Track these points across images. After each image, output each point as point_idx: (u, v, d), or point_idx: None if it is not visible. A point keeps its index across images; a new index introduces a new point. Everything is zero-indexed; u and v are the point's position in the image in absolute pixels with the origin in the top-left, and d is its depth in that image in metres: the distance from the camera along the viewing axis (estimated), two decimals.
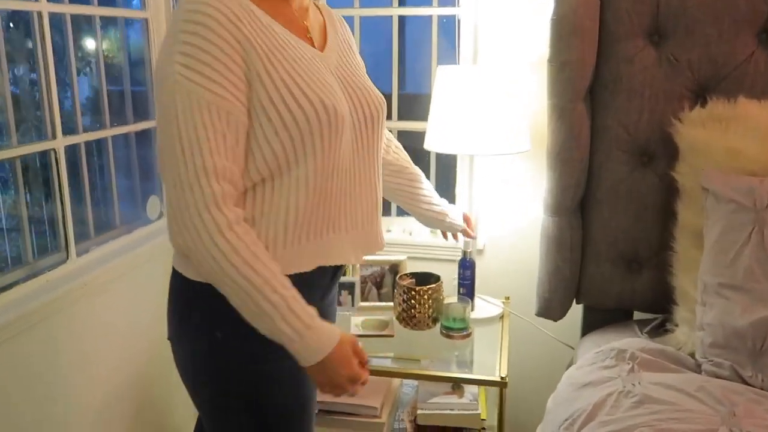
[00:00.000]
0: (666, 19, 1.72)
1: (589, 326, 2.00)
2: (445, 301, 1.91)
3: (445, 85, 1.84)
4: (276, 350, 1.09)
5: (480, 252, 2.24)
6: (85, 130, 1.95)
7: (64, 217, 1.78)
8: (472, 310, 2.00)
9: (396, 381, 2.05)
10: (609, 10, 1.74)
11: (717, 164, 1.60)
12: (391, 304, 2.00)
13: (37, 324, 1.63)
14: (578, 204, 1.86)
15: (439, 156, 2.31)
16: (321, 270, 1.21)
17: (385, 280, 2.06)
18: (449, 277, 2.04)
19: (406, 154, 1.68)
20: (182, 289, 1.21)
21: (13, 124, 1.70)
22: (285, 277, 1.09)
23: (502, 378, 1.65)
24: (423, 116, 2.06)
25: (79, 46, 2.01)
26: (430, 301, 1.87)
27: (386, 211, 2.17)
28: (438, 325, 1.89)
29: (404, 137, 2.31)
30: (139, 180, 2.27)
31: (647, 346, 1.55)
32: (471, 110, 1.79)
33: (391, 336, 1.90)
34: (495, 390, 2.03)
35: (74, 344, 1.77)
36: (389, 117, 2.30)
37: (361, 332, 1.90)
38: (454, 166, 2.24)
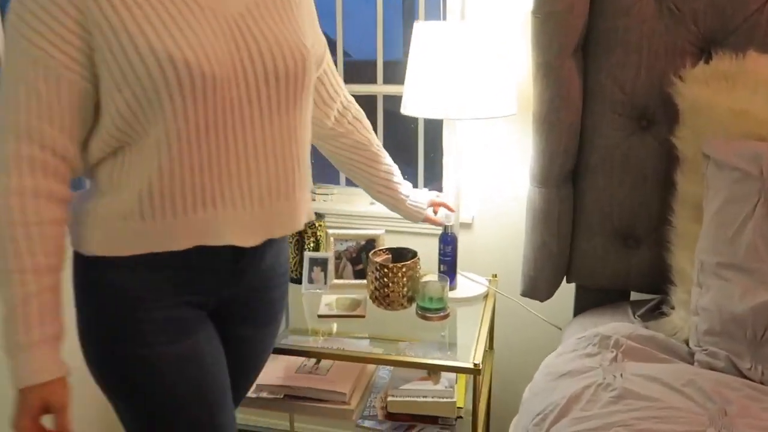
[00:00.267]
0: None
1: (581, 307, 1.83)
2: (423, 279, 1.76)
3: (424, 43, 1.66)
4: (158, 333, 0.97)
5: (468, 226, 2.08)
6: None
7: None
8: (454, 288, 1.85)
9: (371, 365, 1.91)
10: None
11: (721, 127, 1.41)
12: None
13: None
14: (568, 173, 1.68)
15: (427, 125, 2.13)
16: (211, 251, 1.07)
17: (361, 256, 1.91)
18: (431, 253, 1.88)
19: (369, 128, 1.52)
20: (75, 266, 1.11)
21: None
22: (50, 279, 0.98)
23: (475, 365, 1.49)
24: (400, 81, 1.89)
25: None
26: (405, 279, 1.72)
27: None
28: (414, 305, 1.74)
29: (388, 102, 2.15)
30: None
31: (635, 332, 1.39)
32: (450, 70, 1.61)
33: (362, 317, 1.76)
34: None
35: None
36: (374, 82, 2.14)
37: (329, 312, 1.76)
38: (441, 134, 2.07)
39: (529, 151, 1.72)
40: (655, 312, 1.58)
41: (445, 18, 1.97)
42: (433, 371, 1.74)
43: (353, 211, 2.14)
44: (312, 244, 1.90)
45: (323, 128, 1.43)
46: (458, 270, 1.90)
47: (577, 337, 1.43)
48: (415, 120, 2.14)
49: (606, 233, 1.68)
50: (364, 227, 2.07)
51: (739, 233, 1.31)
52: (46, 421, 1.01)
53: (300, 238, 1.89)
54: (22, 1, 0.93)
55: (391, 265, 1.71)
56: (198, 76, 0.96)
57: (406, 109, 1.73)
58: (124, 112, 0.98)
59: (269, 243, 1.17)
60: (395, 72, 2.12)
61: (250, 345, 1.29)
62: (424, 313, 1.71)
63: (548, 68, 1.55)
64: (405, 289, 1.73)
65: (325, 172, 2.10)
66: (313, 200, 2.23)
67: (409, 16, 2.63)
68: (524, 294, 1.77)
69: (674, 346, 1.37)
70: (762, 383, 1.23)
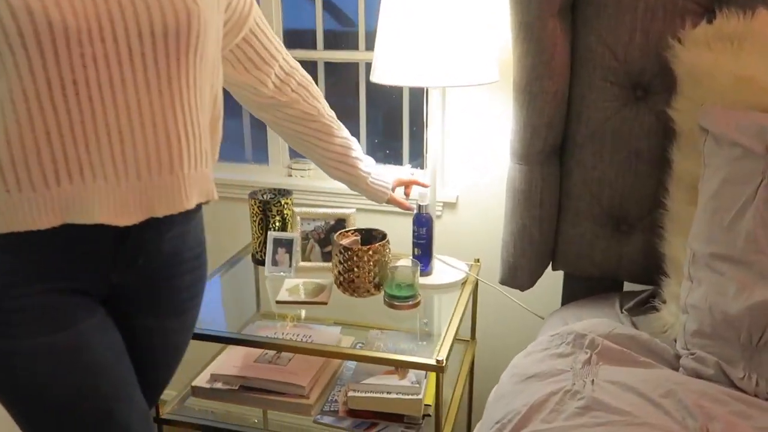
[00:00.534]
0: None
1: (569, 296, 1.67)
2: (394, 264, 1.60)
3: (394, 3, 1.48)
4: (29, 324, 0.84)
5: (452, 206, 1.91)
6: None
7: None
8: (429, 273, 1.69)
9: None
10: None
11: (722, 97, 1.22)
12: None
13: None
14: (552, 149, 1.50)
15: (411, 97, 1.96)
16: (84, 231, 0.93)
17: (330, 237, 1.76)
18: (409, 235, 1.71)
19: (317, 97, 1.37)
20: None
21: None
22: None
23: (438, 362, 1.34)
24: None
25: None
26: (371, 264, 1.56)
27: None
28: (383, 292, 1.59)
29: None
30: None
31: (614, 331, 1.22)
32: (423, 31, 1.44)
33: (324, 303, 1.61)
34: (455, 371, 1.73)
35: None
36: (356, 48, 1.97)
37: (290, 298, 1.62)
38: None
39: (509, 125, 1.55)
40: (644, 306, 1.41)
41: None
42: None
43: (332, 189, 1.98)
44: (278, 223, 1.75)
45: (261, 96, 1.28)
46: (436, 254, 1.74)
47: (550, 333, 1.27)
48: (398, 91, 1.97)
49: (594, 217, 1.51)
50: (333, 206, 1.91)
51: (738, 220, 1.12)
52: None
53: (264, 216, 1.74)
54: None
55: (356, 248, 1.56)
56: (43, 26, 0.82)
57: (376, 76, 1.55)
58: None
59: (167, 224, 1.04)
60: None
61: (157, 337, 1.16)
62: (391, 301, 1.56)
63: (529, 29, 1.37)
64: (371, 274, 1.57)
65: None
66: (289, 176, 2.09)
67: None
68: (503, 282, 1.61)
69: (658, 347, 1.20)
70: (756, 395, 1.06)
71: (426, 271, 1.68)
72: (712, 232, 1.16)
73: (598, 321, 1.26)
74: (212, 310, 1.70)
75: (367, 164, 1.48)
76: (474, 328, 1.84)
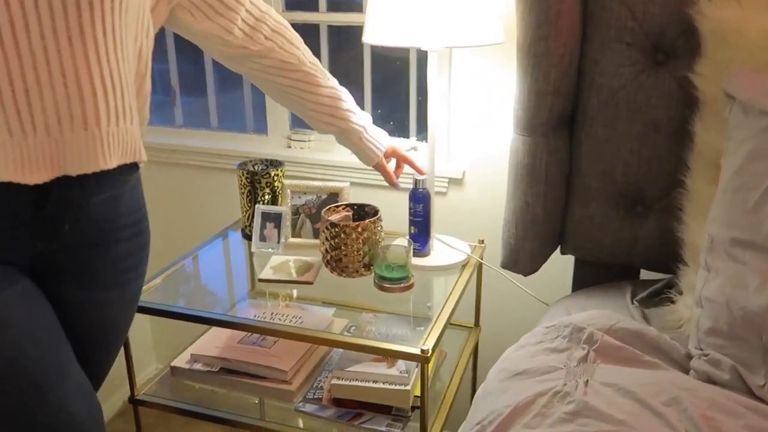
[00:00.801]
0: None
1: (580, 283, 1.52)
2: (386, 243, 1.48)
3: None
4: None
5: (458, 182, 1.77)
6: None
7: None
8: (427, 254, 1.56)
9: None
10: None
11: (751, 58, 1.06)
12: None
13: None
14: (560, 120, 1.35)
15: (420, 65, 1.81)
16: None
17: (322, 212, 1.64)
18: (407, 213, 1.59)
19: (296, 43, 1.25)
20: None
21: None
22: None
23: (423, 351, 1.22)
24: None
25: None
26: (360, 242, 1.44)
27: None
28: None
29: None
30: None
31: (617, 324, 1.07)
32: None
33: (309, 283, 1.50)
34: (454, 359, 1.61)
35: None
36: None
37: (273, 276, 1.51)
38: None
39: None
40: (658, 296, 1.26)
41: None
42: None
43: (333, 162, 1.86)
44: (267, 196, 1.64)
45: (230, 47, 1.17)
46: (436, 234, 1.61)
47: (545, 325, 1.13)
48: (403, 58, 1.83)
49: (607, 196, 1.36)
50: (325, 179, 1.79)
51: (764, 200, 0.97)
52: None
53: (253, 188, 1.63)
54: None
55: (343, 225, 1.43)
56: None
57: (368, 35, 1.42)
58: None
59: (92, 187, 0.95)
60: None
61: (92, 311, 1.06)
62: (381, 282, 1.44)
63: None
64: (361, 253, 1.45)
65: None
66: (288, 147, 1.97)
67: None
68: (504, 266, 1.47)
69: (666, 345, 1.05)
70: None
71: (423, 251, 1.55)
72: (733, 215, 1.01)
73: (599, 313, 1.11)
74: (201, 288, 1.61)
75: (361, 117, 1.36)
76: (478, 314, 1.72)
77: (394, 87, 1.90)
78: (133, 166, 1.03)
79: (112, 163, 0.94)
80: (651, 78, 1.26)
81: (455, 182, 1.78)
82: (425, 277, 1.53)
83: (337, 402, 1.43)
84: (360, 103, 1.85)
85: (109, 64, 0.89)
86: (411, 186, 1.52)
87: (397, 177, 1.52)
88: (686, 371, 1.02)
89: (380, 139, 1.42)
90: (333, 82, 1.32)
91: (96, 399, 1.07)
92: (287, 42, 1.22)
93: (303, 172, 1.89)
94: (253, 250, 1.61)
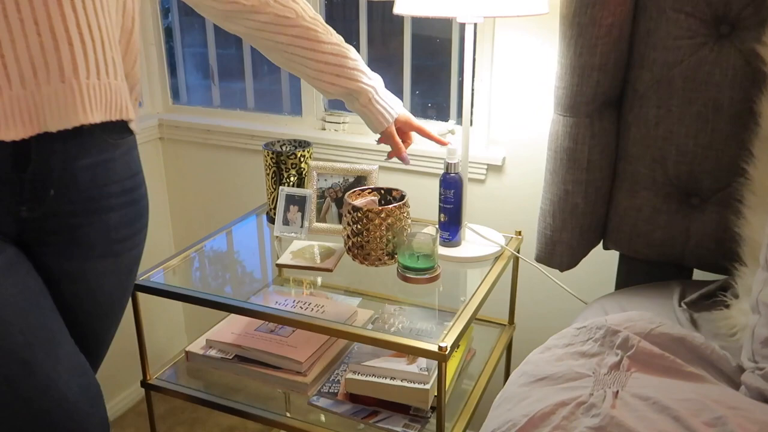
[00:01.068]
0: None
1: (624, 282, 1.38)
2: (410, 231, 1.38)
3: None
4: None
5: (497, 169, 1.65)
6: None
7: None
8: (457, 244, 1.45)
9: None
10: None
11: None
12: None
13: None
14: (606, 100, 1.21)
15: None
16: None
17: None
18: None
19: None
20: None
21: None
22: None
23: (441, 348, 1.11)
24: None
25: None
26: (383, 228, 1.34)
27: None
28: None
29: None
30: None
31: (658, 329, 0.94)
32: None
33: (329, 270, 1.41)
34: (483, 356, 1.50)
35: None
36: None
37: (291, 261, 1.43)
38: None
39: None
40: (710, 299, 1.11)
41: None
42: None
43: (369, 146, 1.76)
44: (293, 178, 1.56)
45: (220, 2, 1.10)
46: (470, 222, 1.50)
47: (576, 326, 1.01)
48: (445, 34, 1.72)
49: (657, 186, 1.21)
50: (353, 161, 1.70)
51: None
52: None
53: (278, 169, 1.55)
54: None
55: (366, 209, 1.34)
56: None
57: (398, 5, 1.31)
58: None
59: (78, 148, 0.91)
60: None
61: (83, 282, 1.01)
62: (404, 272, 1.34)
63: None
64: (384, 240, 1.35)
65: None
66: (323, 129, 1.88)
67: None
68: (539, 259, 1.35)
69: (715, 355, 0.91)
70: None
71: (453, 241, 1.44)
72: None
73: (638, 314, 0.98)
74: (222, 272, 1.55)
75: (371, 78, 1.25)
76: (512, 311, 1.59)
77: (434, 69, 1.79)
78: (124, 129, 0.97)
79: (94, 118, 0.88)
80: (713, 52, 1.11)
81: (494, 169, 1.66)
82: (454, 268, 1.42)
83: (353, 398, 1.34)
84: (399, 86, 1.76)
85: (86, 12, 0.84)
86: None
87: (406, 148, 1.41)
88: (736, 387, 0.88)
89: (392, 103, 1.31)
90: (337, 38, 1.22)
91: (93, 377, 1.02)
92: (276, 1, 1.14)
93: (337, 155, 1.80)
94: (275, 233, 1.54)
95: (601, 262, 1.44)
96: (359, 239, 1.36)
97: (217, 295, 1.33)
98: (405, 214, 1.37)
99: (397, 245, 1.36)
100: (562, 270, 1.32)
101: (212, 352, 1.45)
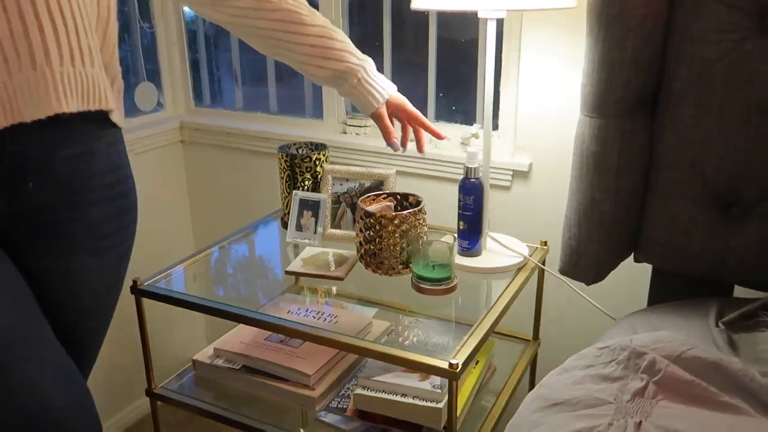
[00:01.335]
0: None
1: (657, 298, 1.28)
2: (426, 239, 1.30)
3: None
4: None
5: (523, 175, 1.56)
6: None
7: None
8: (477, 254, 1.37)
9: None
10: None
11: None
12: None
13: None
14: (638, 99, 1.11)
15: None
16: None
17: None
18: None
19: None
20: None
21: None
22: None
23: (452, 366, 1.02)
24: None
25: None
26: (398, 235, 1.27)
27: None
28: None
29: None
30: None
31: (689, 352, 0.84)
32: None
33: (340, 279, 1.34)
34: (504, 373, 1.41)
35: None
36: None
37: (301, 269, 1.36)
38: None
39: None
40: (752, 320, 1.00)
41: None
42: None
43: (391, 151, 1.69)
44: (307, 182, 1.50)
45: None
46: (492, 231, 1.42)
47: (598, 346, 0.91)
48: (469, 33, 1.64)
49: (694, 194, 1.11)
50: (369, 165, 1.63)
51: None
52: None
53: (292, 173, 1.49)
54: None
55: (379, 215, 1.26)
56: None
57: (418, 1, 1.24)
58: None
59: (56, 139, 0.87)
60: None
61: (68, 281, 0.97)
62: (419, 282, 1.26)
63: None
64: (398, 248, 1.28)
65: None
66: (344, 133, 1.82)
67: None
68: (563, 271, 1.25)
69: (754, 384, 0.81)
70: None
71: (473, 250, 1.36)
72: None
73: (668, 335, 0.88)
74: (232, 278, 1.49)
75: (361, 58, 1.18)
76: (537, 326, 1.50)
77: (460, 71, 1.71)
78: (105, 120, 0.93)
79: (69, 107, 0.84)
80: (757, 47, 1.01)
81: (520, 175, 1.57)
82: (474, 279, 1.34)
83: (362, 414, 1.26)
84: (424, 88, 1.68)
85: (62, 1, 0.79)
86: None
87: (405, 143, 1.32)
88: None
89: (383, 83, 1.23)
90: (323, 20, 1.15)
91: (83, 384, 0.97)
92: None
93: (358, 160, 1.74)
94: (288, 239, 1.48)
95: (633, 276, 1.34)
96: (372, 246, 1.28)
97: (222, 303, 1.27)
98: (421, 221, 1.29)
99: (411, 253, 1.28)
100: (588, 283, 1.22)
101: (219, 362, 1.40)
